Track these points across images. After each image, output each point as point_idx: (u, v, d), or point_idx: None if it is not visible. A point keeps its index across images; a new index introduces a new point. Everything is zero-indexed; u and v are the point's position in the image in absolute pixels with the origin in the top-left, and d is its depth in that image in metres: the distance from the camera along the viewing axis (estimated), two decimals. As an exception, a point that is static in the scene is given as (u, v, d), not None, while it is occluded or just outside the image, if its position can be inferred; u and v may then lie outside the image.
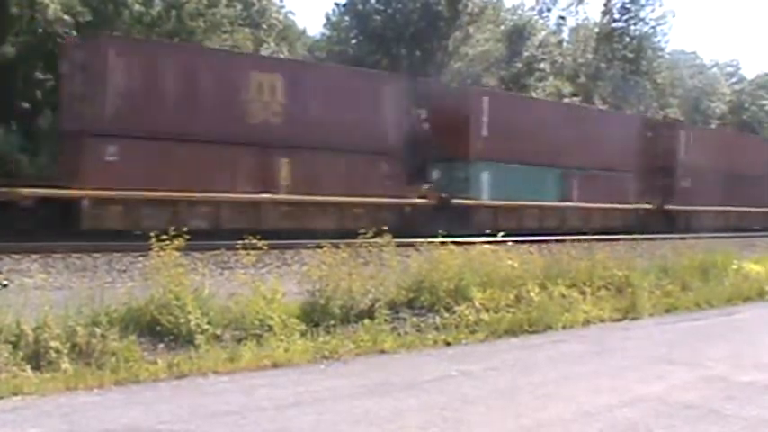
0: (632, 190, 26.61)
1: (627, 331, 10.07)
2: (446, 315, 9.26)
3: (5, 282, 9.43)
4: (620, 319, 10.76)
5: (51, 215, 14.83)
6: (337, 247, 9.09)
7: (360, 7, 39.39)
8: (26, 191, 14.68)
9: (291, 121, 17.86)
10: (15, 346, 6.43)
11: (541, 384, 6.89)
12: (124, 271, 11.31)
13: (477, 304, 9.56)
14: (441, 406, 6.00)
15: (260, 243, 9.14)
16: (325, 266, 8.76)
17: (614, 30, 48.29)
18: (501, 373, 7.38)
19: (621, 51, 47.56)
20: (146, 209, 15.74)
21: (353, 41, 40.37)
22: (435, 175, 21.36)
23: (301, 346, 7.59)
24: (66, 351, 6.49)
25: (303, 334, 7.91)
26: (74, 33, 20.99)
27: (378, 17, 38.81)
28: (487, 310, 9.55)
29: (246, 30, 31.79)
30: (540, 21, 47.58)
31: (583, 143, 24.38)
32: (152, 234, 8.08)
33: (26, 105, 22.22)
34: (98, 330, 6.77)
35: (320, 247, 9.37)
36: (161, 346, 7.17)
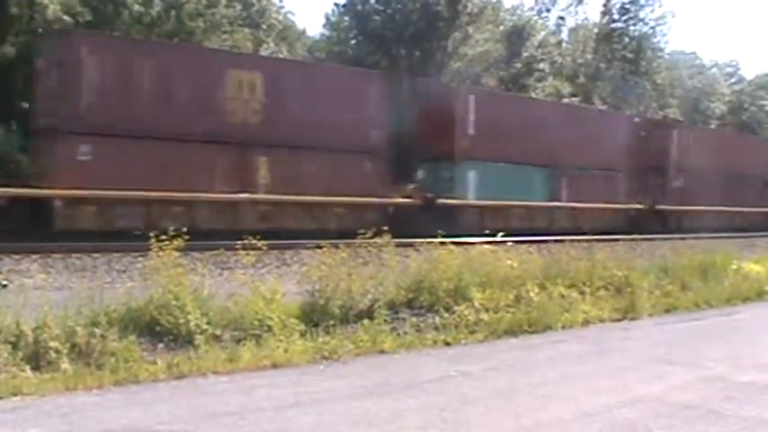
0: (623, 190, 26.37)
1: (626, 331, 10.07)
2: (445, 315, 9.26)
3: (5, 282, 9.42)
4: (619, 320, 10.76)
5: (24, 215, 14.66)
6: (337, 247, 9.09)
7: (359, 7, 39.43)
8: None
9: (271, 119, 17.60)
10: (15, 346, 6.43)
11: (541, 385, 6.89)
12: (124, 271, 11.31)
13: (476, 304, 9.56)
14: (440, 406, 6.00)
15: (260, 243, 9.15)
16: (325, 267, 8.76)
17: (614, 30, 48.32)
18: (500, 374, 7.39)
19: (621, 52, 47.58)
20: (120, 209, 15.58)
21: (353, 42, 40.42)
22: (421, 174, 21.06)
23: (301, 347, 7.59)
24: (65, 351, 6.49)
25: (302, 334, 7.91)
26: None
27: (377, 17, 38.85)
28: (487, 311, 9.55)
29: (246, 30, 31.85)
30: (540, 21, 47.68)
31: (573, 142, 24.07)
32: (151, 234, 8.09)
33: (26, 105, 22.19)
34: (97, 331, 6.77)
35: (320, 247, 9.37)
36: (160, 346, 7.17)
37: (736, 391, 6.92)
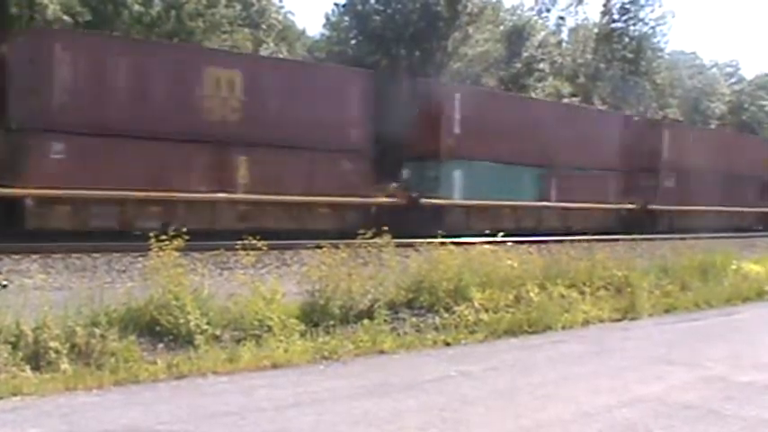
0: (614, 189, 26.05)
1: (626, 331, 10.07)
2: (445, 315, 9.25)
3: (5, 282, 9.42)
4: (619, 320, 10.75)
5: None
6: (337, 247, 9.09)
7: (359, 7, 39.45)
8: None
9: (251, 117, 17.24)
10: (15, 346, 6.43)
11: (541, 385, 6.89)
12: (124, 271, 11.31)
13: (476, 304, 9.56)
14: (440, 407, 6.01)
15: (259, 243, 9.15)
16: (325, 267, 8.76)
17: (614, 30, 48.34)
18: (500, 374, 7.39)
19: (621, 52, 47.60)
20: (94, 208, 15.35)
21: (353, 42, 40.43)
22: (406, 173, 20.75)
23: (301, 347, 7.59)
24: (65, 351, 6.49)
25: (302, 334, 7.91)
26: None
27: (377, 17, 38.86)
28: (487, 311, 9.54)
29: (246, 30, 31.90)
30: (540, 21, 47.72)
31: (564, 142, 23.67)
32: (151, 234, 8.09)
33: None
34: (97, 331, 6.77)
35: (320, 247, 9.37)
36: (160, 346, 7.17)
37: (736, 391, 6.92)
